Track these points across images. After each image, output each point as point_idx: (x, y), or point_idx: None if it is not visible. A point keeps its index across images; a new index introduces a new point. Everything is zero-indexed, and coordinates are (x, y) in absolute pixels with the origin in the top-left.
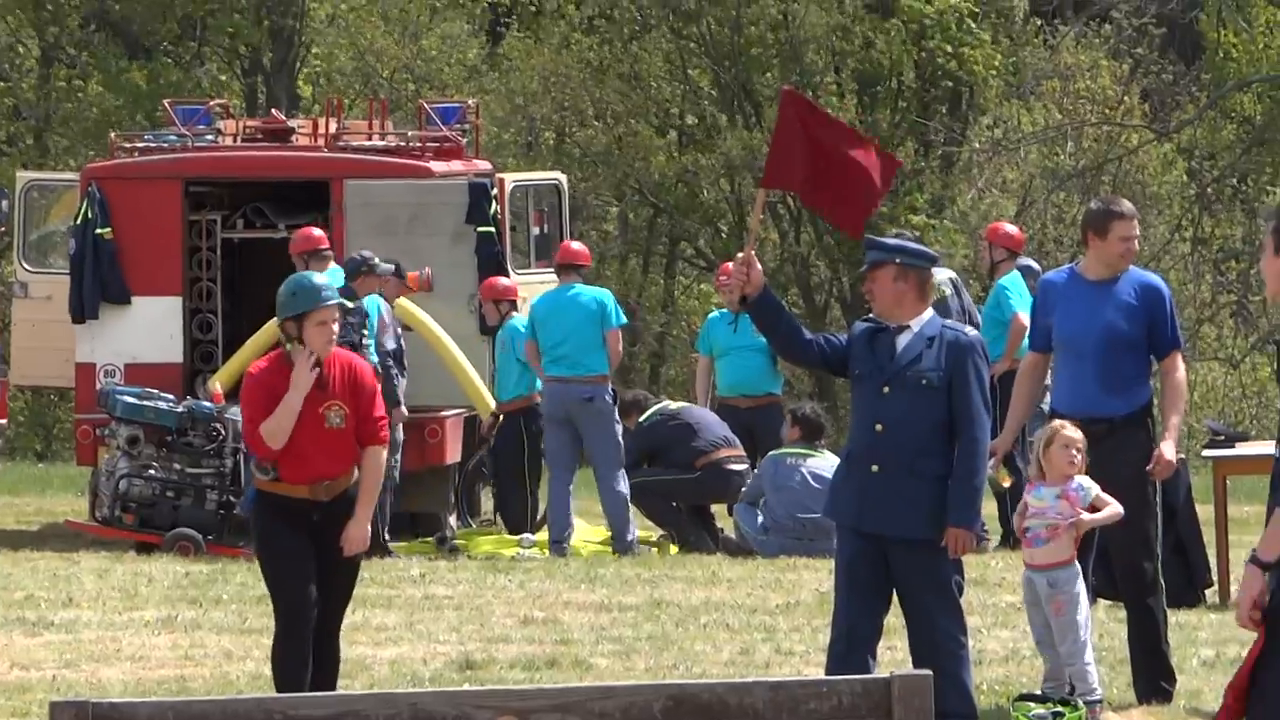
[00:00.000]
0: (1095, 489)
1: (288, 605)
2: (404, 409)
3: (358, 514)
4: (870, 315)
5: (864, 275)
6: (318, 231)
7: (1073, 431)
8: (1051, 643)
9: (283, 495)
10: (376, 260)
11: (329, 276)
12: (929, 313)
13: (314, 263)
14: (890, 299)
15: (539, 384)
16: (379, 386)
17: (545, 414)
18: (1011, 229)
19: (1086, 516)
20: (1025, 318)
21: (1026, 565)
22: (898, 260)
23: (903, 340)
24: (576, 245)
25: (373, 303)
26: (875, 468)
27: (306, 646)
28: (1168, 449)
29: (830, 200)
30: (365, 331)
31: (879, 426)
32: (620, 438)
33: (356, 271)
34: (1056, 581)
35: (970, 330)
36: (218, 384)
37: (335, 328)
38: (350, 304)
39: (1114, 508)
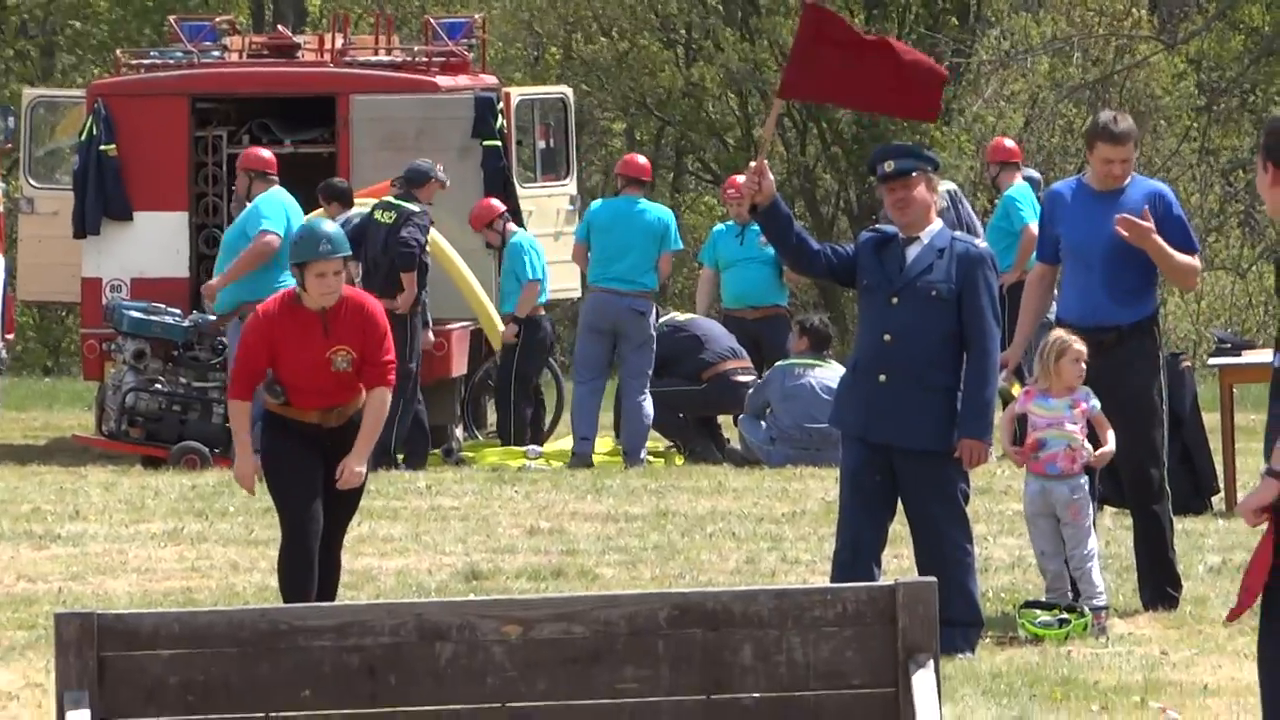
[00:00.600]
0: (1096, 399)
1: (293, 517)
2: (431, 334)
3: (357, 449)
4: (878, 226)
5: (887, 183)
6: (266, 153)
7: (1081, 344)
8: (1056, 553)
9: (292, 419)
10: (439, 168)
11: (272, 197)
12: (938, 223)
13: (257, 183)
14: (924, 208)
15: (543, 298)
16: (389, 328)
17: (586, 322)
18: (1008, 142)
19: (1103, 451)
20: (1035, 228)
21: (1035, 474)
22: (929, 169)
23: (912, 251)
24: (641, 159)
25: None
26: (883, 378)
27: (312, 558)
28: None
29: (889, 96)
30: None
31: (887, 337)
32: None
33: (424, 179)
34: (1077, 487)
35: (980, 242)
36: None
37: (338, 280)
38: (414, 209)
39: (1111, 444)
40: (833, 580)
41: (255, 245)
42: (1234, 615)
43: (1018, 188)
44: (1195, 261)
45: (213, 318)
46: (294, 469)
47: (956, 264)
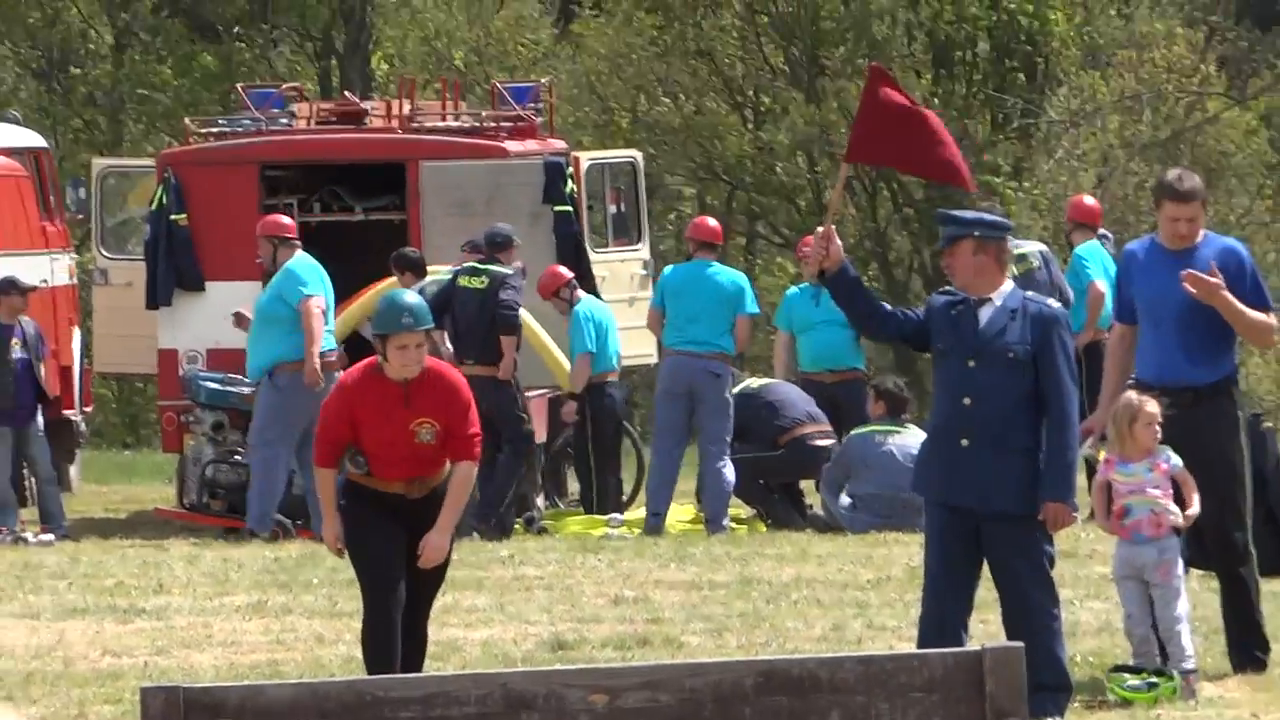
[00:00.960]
0: (1176, 457)
1: (374, 588)
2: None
3: (441, 523)
4: (948, 288)
5: (941, 250)
6: (286, 220)
7: (1154, 406)
8: (1144, 616)
9: (375, 489)
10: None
11: (302, 260)
12: (1009, 284)
13: (282, 250)
14: (970, 272)
15: (613, 364)
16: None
17: (663, 388)
18: (1088, 200)
19: (1190, 513)
20: (1103, 285)
21: (1123, 540)
22: (976, 234)
23: (985, 313)
24: (712, 222)
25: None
26: (965, 442)
27: (395, 629)
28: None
29: (934, 163)
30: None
31: (967, 400)
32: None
33: (509, 243)
34: (1166, 549)
35: (1053, 302)
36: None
37: (420, 353)
38: (508, 270)
39: (1196, 505)
40: (919, 646)
41: (310, 312)
42: None
43: (1087, 246)
44: (1271, 319)
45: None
46: (376, 537)
47: (1031, 325)
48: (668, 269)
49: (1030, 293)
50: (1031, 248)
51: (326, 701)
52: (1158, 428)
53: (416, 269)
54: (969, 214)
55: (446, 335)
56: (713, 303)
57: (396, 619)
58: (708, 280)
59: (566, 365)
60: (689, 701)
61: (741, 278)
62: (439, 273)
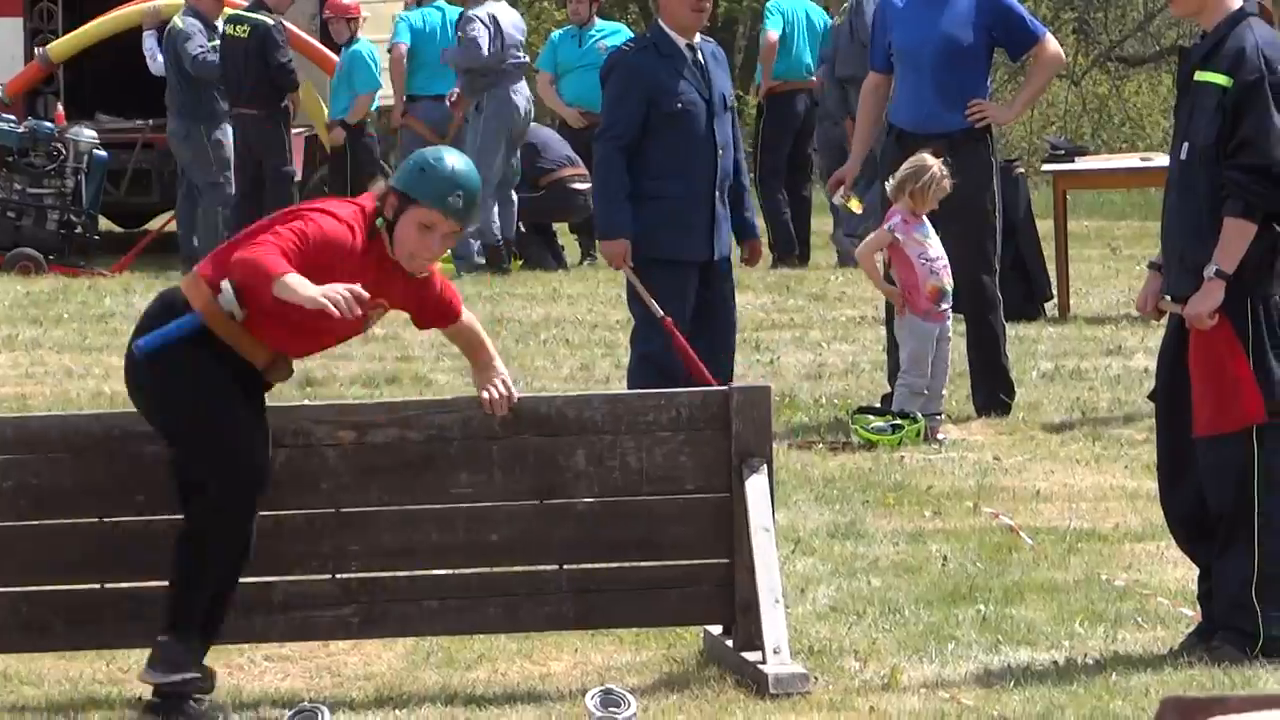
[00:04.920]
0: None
1: (240, 468)
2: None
3: (492, 360)
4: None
5: None
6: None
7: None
8: (924, 374)
9: (231, 350)
10: None
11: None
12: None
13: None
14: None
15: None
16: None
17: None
18: None
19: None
20: (775, 35)
21: (938, 315)
22: None
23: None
24: None
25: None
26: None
27: (250, 529)
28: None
29: None
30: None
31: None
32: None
33: None
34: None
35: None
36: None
37: (444, 247)
38: (270, 22)
39: None
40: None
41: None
42: (1222, 426)
43: None
44: (1052, 49)
45: (49, 124)
46: (236, 410)
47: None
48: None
49: None
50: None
51: (75, 435)
52: None
53: None
54: None
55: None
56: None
57: (265, 479)
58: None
59: (323, 107)
60: (437, 439)
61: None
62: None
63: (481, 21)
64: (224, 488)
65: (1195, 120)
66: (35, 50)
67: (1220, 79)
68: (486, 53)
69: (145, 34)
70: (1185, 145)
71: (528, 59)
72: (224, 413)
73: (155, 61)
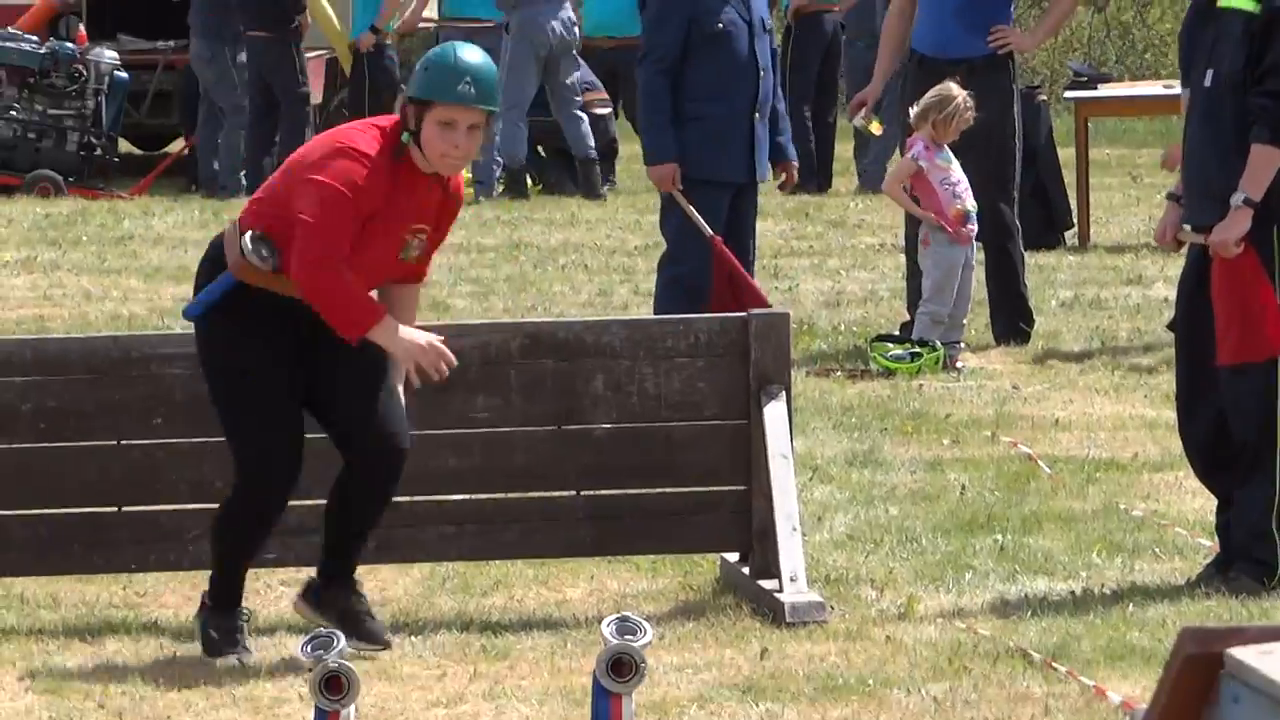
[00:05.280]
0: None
1: (264, 463)
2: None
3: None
4: None
5: None
6: None
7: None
8: (949, 301)
9: (273, 294)
10: None
11: None
12: None
13: None
14: None
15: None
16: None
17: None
18: None
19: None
20: None
21: (966, 237)
22: None
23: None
24: None
25: None
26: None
27: (275, 514)
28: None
29: None
30: None
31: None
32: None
33: None
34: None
35: None
36: None
37: (472, 141)
38: None
39: None
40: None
41: None
42: (1247, 356)
43: None
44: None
45: (70, 45)
46: (266, 390)
47: None
48: None
49: None
50: None
51: (93, 357)
52: None
53: None
54: None
55: None
56: None
57: (280, 506)
58: None
59: (339, 29)
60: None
61: None
62: None
63: None
64: (244, 475)
65: (1220, 47)
66: None
67: (1248, 5)
68: None
69: None
70: (1210, 72)
71: None
72: (252, 400)
73: None
